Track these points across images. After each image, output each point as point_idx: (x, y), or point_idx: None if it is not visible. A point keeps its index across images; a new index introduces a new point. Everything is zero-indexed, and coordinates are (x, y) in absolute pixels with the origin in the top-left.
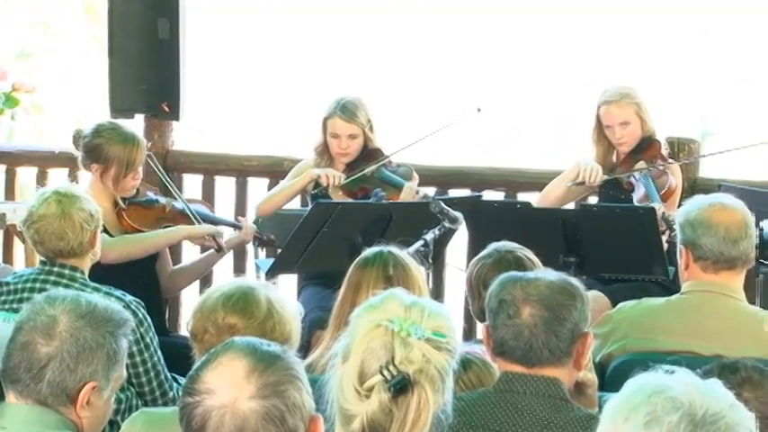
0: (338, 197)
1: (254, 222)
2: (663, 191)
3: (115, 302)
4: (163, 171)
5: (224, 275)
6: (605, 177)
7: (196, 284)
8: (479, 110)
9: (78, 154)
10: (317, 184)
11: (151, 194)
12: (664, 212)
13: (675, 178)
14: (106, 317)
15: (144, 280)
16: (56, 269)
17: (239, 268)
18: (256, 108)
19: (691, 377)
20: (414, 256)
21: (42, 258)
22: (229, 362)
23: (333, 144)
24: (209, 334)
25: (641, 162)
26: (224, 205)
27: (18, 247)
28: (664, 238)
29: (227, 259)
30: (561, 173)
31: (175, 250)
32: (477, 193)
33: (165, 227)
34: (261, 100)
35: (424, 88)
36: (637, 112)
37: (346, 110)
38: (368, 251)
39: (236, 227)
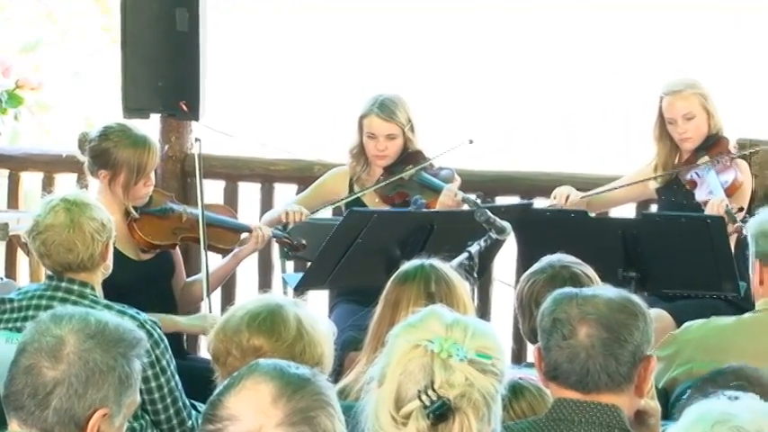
0: (374, 204)
1: (280, 229)
2: (727, 185)
3: (128, 321)
4: (200, 177)
5: (248, 291)
6: (668, 173)
7: (217, 303)
8: (471, 142)
9: (84, 159)
10: (352, 192)
11: (166, 202)
12: (727, 205)
13: (743, 174)
14: (117, 337)
15: (159, 297)
16: (64, 284)
17: (265, 283)
18: (280, 109)
19: (758, 403)
20: (457, 271)
21: (49, 273)
22: (254, 386)
23: (369, 145)
24: (232, 357)
25: (705, 158)
26: (248, 214)
27: (22, 261)
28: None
29: (252, 273)
30: (620, 177)
31: (193, 259)
32: (527, 201)
33: (183, 238)
34: (285, 100)
35: (462, 89)
36: (702, 105)
37: (385, 108)
38: (408, 265)
39: (246, 230)
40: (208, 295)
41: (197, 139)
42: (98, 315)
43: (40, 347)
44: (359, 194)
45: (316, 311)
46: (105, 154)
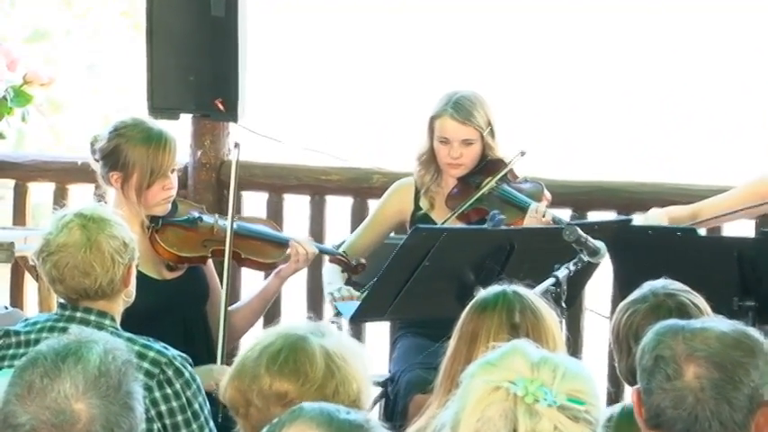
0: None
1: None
2: None
3: (122, 344)
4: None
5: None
6: None
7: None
8: (523, 154)
9: (97, 166)
10: (418, 207)
11: (194, 212)
12: None
13: None
14: (119, 380)
15: (187, 326)
16: (78, 314)
17: (314, 312)
18: (328, 114)
19: None
20: (542, 298)
21: (61, 300)
22: None
23: (441, 151)
24: (254, 407)
25: None
26: (294, 231)
27: (30, 286)
28: None
29: (299, 299)
30: (730, 188)
31: (233, 282)
32: (626, 217)
33: (215, 252)
34: (333, 105)
35: (524, 90)
36: None
37: (460, 108)
38: (487, 291)
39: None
40: (224, 322)
41: (236, 144)
42: (92, 356)
43: (43, 422)
44: (448, 218)
45: (344, 337)
46: (115, 152)
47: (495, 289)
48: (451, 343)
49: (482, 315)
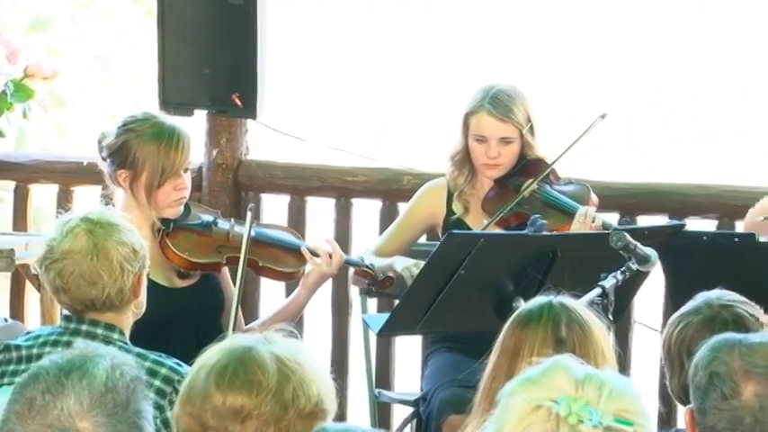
0: (483, 226)
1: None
2: None
3: (130, 359)
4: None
5: (320, 337)
6: None
7: None
8: (604, 116)
9: (104, 165)
10: (451, 212)
11: (208, 216)
12: None
13: None
14: (126, 397)
15: (200, 338)
16: (84, 327)
17: (340, 326)
18: (351, 114)
19: None
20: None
21: (66, 312)
22: None
23: (477, 151)
24: (211, 430)
25: None
26: (318, 237)
27: (32, 297)
28: None
29: (323, 313)
30: None
31: (249, 293)
32: (679, 222)
33: (230, 258)
34: (359, 102)
35: (577, 87)
36: None
37: (498, 103)
38: (531, 303)
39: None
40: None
41: (251, 208)
42: (99, 371)
43: None
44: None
45: (294, 342)
46: (124, 148)
47: (539, 300)
48: (491, 359)
49: (525, 329)
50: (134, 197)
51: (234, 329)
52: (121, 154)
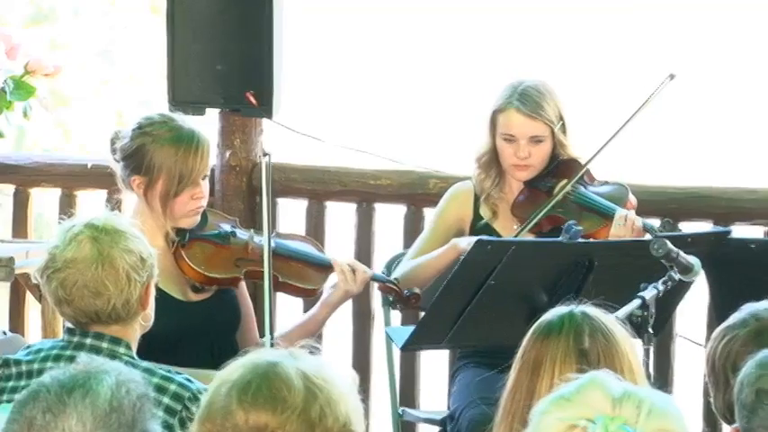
0: (512, 233)
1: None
2: None
3: (137, 375)
4: (268, 187)
5: (340, 352)
6: None
7: None
8: (672, 77)
9: (117, 167)
10: (478, 217)
11: (225, 226)
12: None
13: None
14: (132, 416)
15: (214, 355)
16: (88, 341)
17: (361, 339)
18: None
19: None
20: (624, 323)
21: (69, 325)
22: None
23: (505, 151)
24: None
25: None
26: (339, 246)
27: (33, 308)
28: None
29: (343, 326)
30: None
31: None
32: (724, 228)
33: (248, 273)
34: (380, 102)
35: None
36: None
37: (527, 99)
38: (551, 314)
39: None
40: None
41: (265, 153)
42: (103, 389)
43: None
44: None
45: (321, 359)
46: (139, 152)
47: (560, 310)
48: (511, 374)
49: (546, 341)
50: (148, 205)
51: (269, 336)
52: (136, 159)
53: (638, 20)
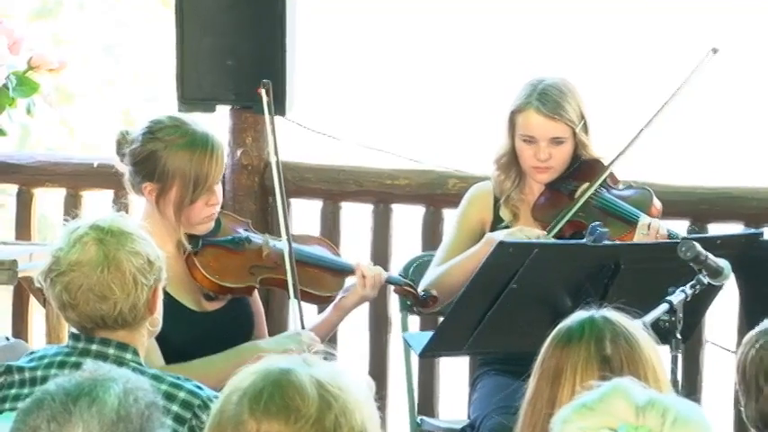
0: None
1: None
2: None
3: (145, 383)
4: (282, 188)
5: (355, 357)
6: None
7: None
8: (716, 51)
9: (125, 169)
10: (498, 219)
11: (239, 230)
12: None
13: None
14: (140, 428)
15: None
16: (94, 347)
17: (378, 345)
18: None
19: None
20: (649, 328)
21: (74, 330)
22: None
23: (525, 152)
24: None
25: None
26: (355, 248)
27: (36, 313)
28: None
29: (359, 331)
30: None
31: (276, 312)
32: (756, 230)
33: (264, 281)
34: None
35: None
36: None
37: (547, 99)
38: (571, 319)
39: (351, 272)
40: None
41: (275, 157)
42: (110, 397)
43: None
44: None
45: (337, 366)
46: (151, 159)
47: (580, 315)
48: (531, 383)
49: (566, 347)
50: (160, 212)
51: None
52: (148, 165)
53: (660, 22)
